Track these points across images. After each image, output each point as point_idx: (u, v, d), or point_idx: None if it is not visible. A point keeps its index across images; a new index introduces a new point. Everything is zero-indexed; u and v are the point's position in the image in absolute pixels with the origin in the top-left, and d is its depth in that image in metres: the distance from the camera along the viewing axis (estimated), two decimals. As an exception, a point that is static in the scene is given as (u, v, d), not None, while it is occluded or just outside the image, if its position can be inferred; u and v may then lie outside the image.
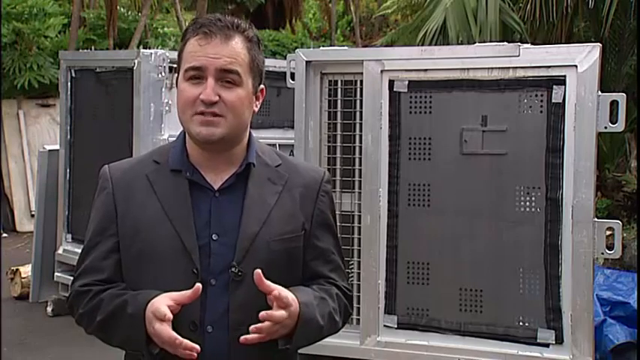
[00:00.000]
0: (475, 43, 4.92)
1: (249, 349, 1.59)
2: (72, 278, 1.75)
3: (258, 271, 1.54)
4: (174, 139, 1.77)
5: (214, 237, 1.63)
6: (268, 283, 1.54)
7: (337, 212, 3.72)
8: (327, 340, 1.75)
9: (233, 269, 1.62)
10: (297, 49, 3.83)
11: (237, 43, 1.63)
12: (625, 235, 5.33)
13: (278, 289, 1.54)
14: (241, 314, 1.61)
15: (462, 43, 6.47)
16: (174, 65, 5.07)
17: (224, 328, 1.61)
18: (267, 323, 1.52)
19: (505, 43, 3.58)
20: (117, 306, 1.60)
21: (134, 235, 1.64)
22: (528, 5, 6.53)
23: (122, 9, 12.52)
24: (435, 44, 6.67)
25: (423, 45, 6.64)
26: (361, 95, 3.65)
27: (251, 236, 1.64)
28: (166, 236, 1.62)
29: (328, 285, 1.74)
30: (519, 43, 3.49)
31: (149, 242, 1.63)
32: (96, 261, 1.67)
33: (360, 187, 3.68)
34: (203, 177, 1.67)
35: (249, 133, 1.73)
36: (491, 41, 5.80)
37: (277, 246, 1.67)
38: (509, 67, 3.40)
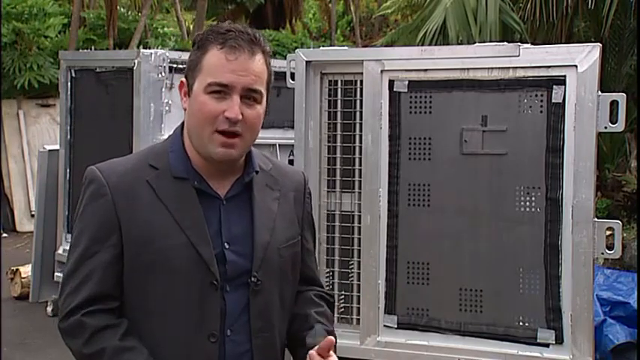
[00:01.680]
0: (475, 43, 4.92)
1: (269, 353, 1.66)
2: (61, 283, 1.65)
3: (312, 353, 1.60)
4: (167, 140, 1.72)
5: (227, 245, 1.63)
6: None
7: (337, 212, 3.78)
8: (326, 340, 1.80)
9: (253, 279, 1.62)
10: (297, 49, 3.83)
11: (260, 59, 1.62)
12: (625, 235, 5.34)
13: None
14: (261, 321, 1.64)
15: (462, 43, 6.47)
16: (175, 65, 5.07)
17: (242, 331, 1.63)
18: None
19: (505, 43, 3.58)
20: None
21: (144, 246, 1.58)
22: (528, 5, 6.54)
23: (122, 9, 12.53)
24: (435, 44, 6.68)
25: (423, 45, 6.64)
26: (361, 95, 3.65)
27: (264, 245, 1.65)
28: (181, 246, 1.58)
29: (321, 304, 1.81)
30: (519, 43, 3.48)
31: (162, 252, 1.58)
32: (93, 273, 1.59)
33: (360, 187, 3.68)
34: (209, 185, 1.65)
35: None
36: (491, 41, 5.80)
37: (285, 252, 1.70)
38: (509, 67, 3.40)
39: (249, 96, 1.59)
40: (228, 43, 1.57)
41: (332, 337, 1.59)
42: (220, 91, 1.57)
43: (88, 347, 1.57)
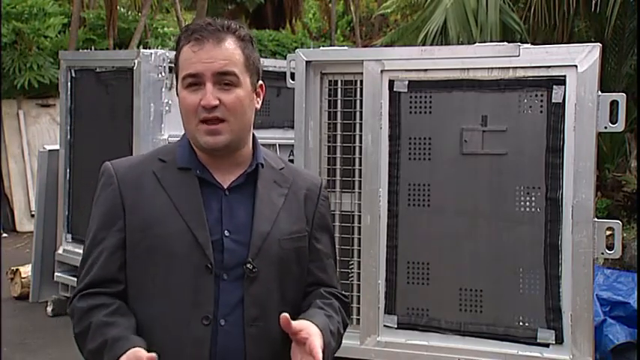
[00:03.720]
0: (475, 43, 4.92)
1: (265, 344, 1.64)
2: (73, 278, 1.74)
3: (285, 315, 1.55)
4: (178, 139, 1.77)
5: (226, 233, 1.65)
6: (294, 324, 1.56)
7: (337, 212, 3.78)
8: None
9: (248, 266, 1.64)
10: (297, 49, 3.83)
11: (230, 44, 1.65)
12: (625, 235, 5.33)
13: (301, 332, 1.57)
14: (255, 310, 1.65)
15: (462, 44, 6.47)
16: (174, 65, 5.08)
17: (237, 322, 1.63)
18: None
19: (505, 43, 3.58)
20: (99, 346, 1.59)
21: (144, 231, 1.64)
22: (530, 7, 6.54)
23: (122, 9, 12.52)
24: (436, 45, 6.68)
25: (423, 46, 6.64)
26: (361, 95, 3.65)
27: (263, 235, 1.67)
28: (178, 231, 1.63)
29: (330, 297, 1.79)
30: (519, 43, 3.49)
31: (160, 237, 1.63)
32: (99, 258, 1.66)
33: (360, 187, 3.68)
34: (212, 176, 1.69)
35: (253, 134, 1.75)
36: (491, 41, 5.80)
37: (287, 244, 1.71)
38: (509, 67, 3.40)
39: (222, 80, 1.63)
40: (193, 37, 1.64)
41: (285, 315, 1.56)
42: (194, 82, 1.63)
43: (78, 327, 1.64)
